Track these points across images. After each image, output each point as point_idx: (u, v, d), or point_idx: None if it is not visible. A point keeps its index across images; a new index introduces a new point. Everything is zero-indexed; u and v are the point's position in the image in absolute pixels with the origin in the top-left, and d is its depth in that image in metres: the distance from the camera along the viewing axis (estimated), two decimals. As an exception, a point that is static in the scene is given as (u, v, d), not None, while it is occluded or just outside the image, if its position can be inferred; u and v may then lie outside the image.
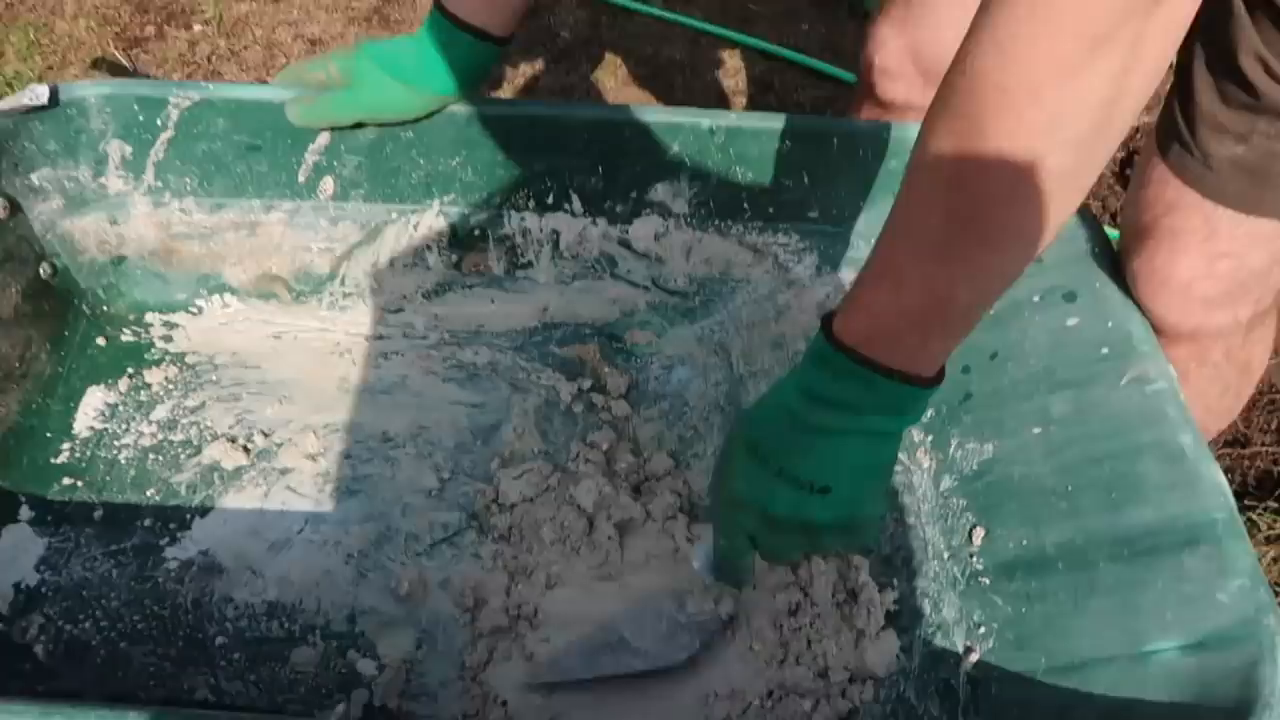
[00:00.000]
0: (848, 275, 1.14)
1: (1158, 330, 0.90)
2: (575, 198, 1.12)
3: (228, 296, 1.17)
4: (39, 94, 0.99)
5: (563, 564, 1.00)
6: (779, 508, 0.70)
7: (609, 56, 2.19)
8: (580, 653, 0.91)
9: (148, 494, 1.01)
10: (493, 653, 0.93)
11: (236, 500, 1.01)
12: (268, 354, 1.15)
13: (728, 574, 0.82)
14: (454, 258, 1.15)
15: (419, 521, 1.02)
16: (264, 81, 2.03)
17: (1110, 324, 0.90)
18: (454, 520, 1.03)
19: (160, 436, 1.05)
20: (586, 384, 1.17)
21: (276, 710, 0.88)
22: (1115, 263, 0.95)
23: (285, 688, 0.89)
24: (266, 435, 1.07)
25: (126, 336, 1.15)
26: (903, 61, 1.19)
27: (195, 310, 1.17)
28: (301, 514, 1.01)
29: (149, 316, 1.16)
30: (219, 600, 0.94)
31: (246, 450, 1.05)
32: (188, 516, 0.99)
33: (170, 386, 1.10)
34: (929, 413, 0.96)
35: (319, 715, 0.89)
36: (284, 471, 1.04)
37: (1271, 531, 1.36)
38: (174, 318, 1.16)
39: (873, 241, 0.65)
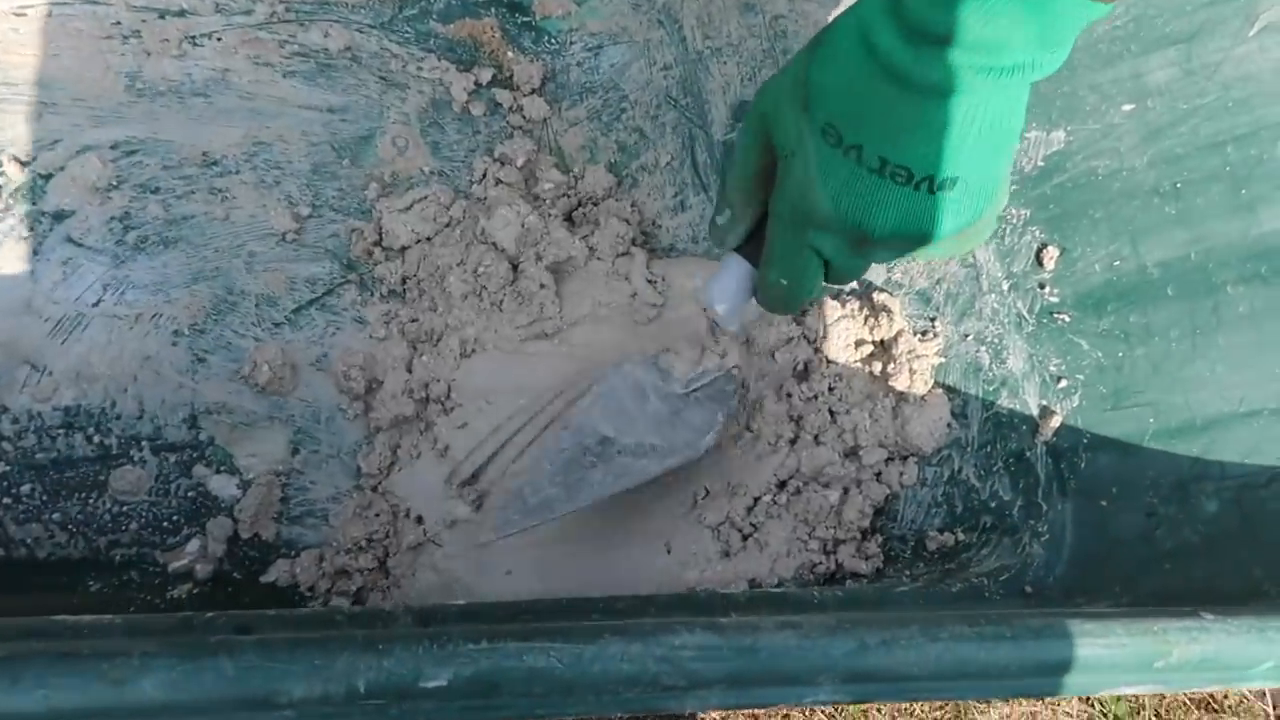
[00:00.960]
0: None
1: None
2: None
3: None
4: None
5: (480, 324, 0.74)
6: (884, 220, 0.46)
7: None
8: (554, 474, 0.65)
9: None
10: (396, 451, 0.69)
11: (-9, 263, 0.69)
12: (9, 42, 0.77)
13: (775, 304, 0.57)
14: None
15: (272, 279, 0.73)
16: None
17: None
18: (323, 274, 0.74)
19: None
20: (486, 75, 0.85)
21: (96, 557, 0.62)
22: None
23: (107, 526, 0.64)
24: (24, 164, 0.73)
25: None
26: None
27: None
28: (96, 278, 0.70)
29: None
30: (-13, 411, 0.65)
31: (-5, 188, 0.71)
32: (-83, 292, 0.67)
33: None
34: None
35: (165, 557, 0.64)
36: (59, 215, 0.71)
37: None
38: None
39: None
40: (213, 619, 0.46)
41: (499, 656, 0.37)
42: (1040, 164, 0.69)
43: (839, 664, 0.39)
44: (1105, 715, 1.12)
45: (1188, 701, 1.12)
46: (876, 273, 0.75)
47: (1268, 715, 1.13)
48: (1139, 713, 1.12)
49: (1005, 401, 0.67)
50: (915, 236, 0.47)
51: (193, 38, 0.79)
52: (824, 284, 0.54)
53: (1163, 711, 1.12)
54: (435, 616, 0.48)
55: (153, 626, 0.45)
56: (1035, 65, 0.42)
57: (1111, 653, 0.42)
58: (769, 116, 0.49)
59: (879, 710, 1.09)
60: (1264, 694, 1.13)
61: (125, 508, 0.65)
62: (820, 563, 0.65)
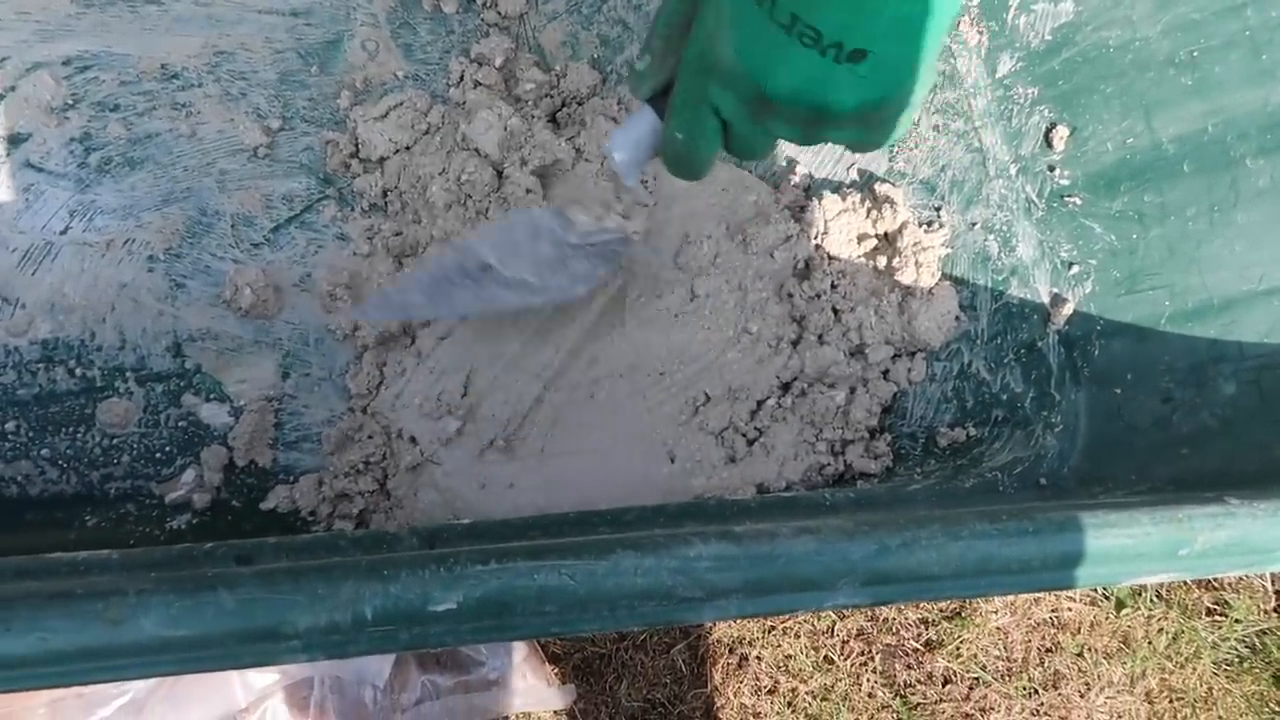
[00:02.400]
0: None
1: None
2: None
3: None
4: None
5: (468, 234, 0.71)
6: (784, 81, 0.44)
7: None
8: (424, 283, 0.64)
9: None
10: (383, 370, 0.67)
11: (-52, 193, 0.66)
12: (-57, -46, 0.72)
13: (673, 163, 0.54)
14: None
15: (247, 198, 0.70)
16: None
17: None
18: (299, 190, 0.71)
19: None
20: (457, -31, 0.80)
21: (90, 492, 0.60)
22: None
23: (99, 460, 0.62)
24: (-27, 86, 0.68)
25: None
26: None
27: None
28: (61, 204, 0.66)
29: None
30: (-40, 348, 0.62)
31: (-55, 113, 0.67)
32: (-128, 227, 0.64)
33: None
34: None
35: (161, 489, 0.62)
36: (15, 139, 0.68)
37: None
38: None
39: None
40: (212, 549, 0.44)
41: (509, 576, 0.35)
42: (1048, 38, 0.65)
43: (859, 567, 0.38)
44: (1108, 598, 1.13)
45: (1188, 581, 1.14)
46: (877, 162, 0.72)
47: (1266, 590, 1.15)
48: (1141, 594, 1.13)
49: (1015, 291, 0.65)
50: (814, 106, 0.44)
51: (141, -60, 0.74)
52: (727, 155, 0.51)
53: (1164, 592, 1.13)
54: (441, 537, 0.47)
55: (151, 560, 0.44)
56: None
57: (1135, 542, 0.40)
58: None
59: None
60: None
61: (115, 440, 0.63)
62: (828, 464, 0.63)
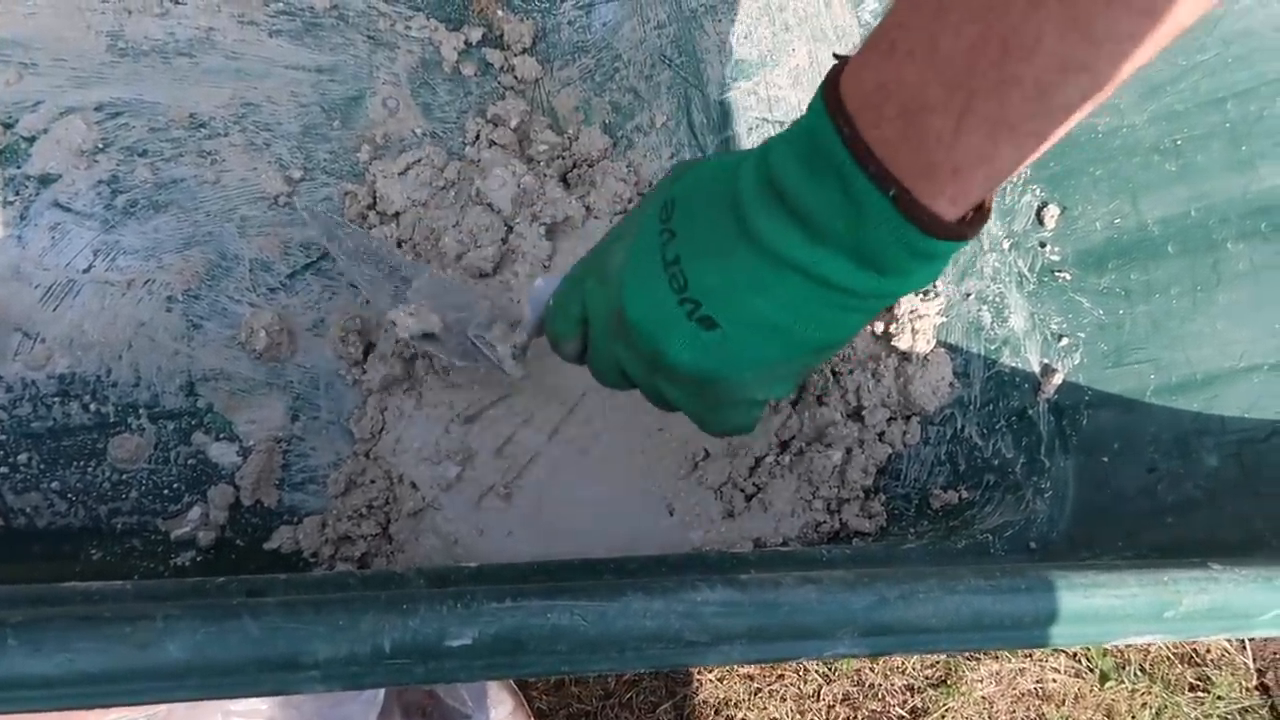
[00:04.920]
0: None
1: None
2: None
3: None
4: None
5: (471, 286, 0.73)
6: (639, 306, 0.45)
7: None
8: (351, 242, 0.67)
9: None
10: (384, 414, 0.69)
11: (-24, 229, 0.67)
12: (-15, 1, 0.75)
13: (550, 339, 0.56)
14: None
15: (266, 243, 0.72)
16: None
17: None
18: (317, 238, 0.73)
19: None
20: (476, 35, 0.84)
21: (97, 525, 0.61)
22: None
23: (107, 495, 0.63)
24: (7, 126, 0.71)
25: None
26: None
27: None
28: (85, 243, 0.68)
29: None
30: (-22, 379, 0.64)
31: (-23, 152, 0.69)
32: (-100, 259, 0.65)
33: None
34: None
35: (167, 525, 0.63)
36: (45, 179, 0.70)
37: None
38: None
39: None
40: (224, 583, 0.46)
41: (523, 615, 0.37)
42: (1040, 122, 0.69)
43: (859, 618, 0.40)
44: (1092, 670, 1.14)
45: (1171, 655, 1.15)
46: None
47: (1248, 668, 1.16)
48: (1124, 667, 1.14)
49: (1007, 360, 0.67)
50: (652, 344, 0.45)
51: (175, -5, 0.77)
52: (578, 356, 0.54)
53: (1148, 666, 1.14)
54: (448, 579, 0.48)
55: (164, 592, 0.45)
56: (849, 282, 0.40)
57: (1123, 603, 0.42)
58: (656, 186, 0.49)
59: (871, 669, 1.11)
60: (1244, 647, 1.15)
61: (125, 475, 0.64)
62: (824, 521, 0.65)
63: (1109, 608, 0.42)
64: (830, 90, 0.38)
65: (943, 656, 1.12)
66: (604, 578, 0.50)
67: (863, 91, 0.37)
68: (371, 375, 0.70)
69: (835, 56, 0.40)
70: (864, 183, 0.37)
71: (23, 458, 0.63)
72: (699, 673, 1.07)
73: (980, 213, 0.39)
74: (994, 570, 0.41)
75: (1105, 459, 0.62)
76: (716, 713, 1.07)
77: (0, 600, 0.40)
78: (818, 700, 1.09)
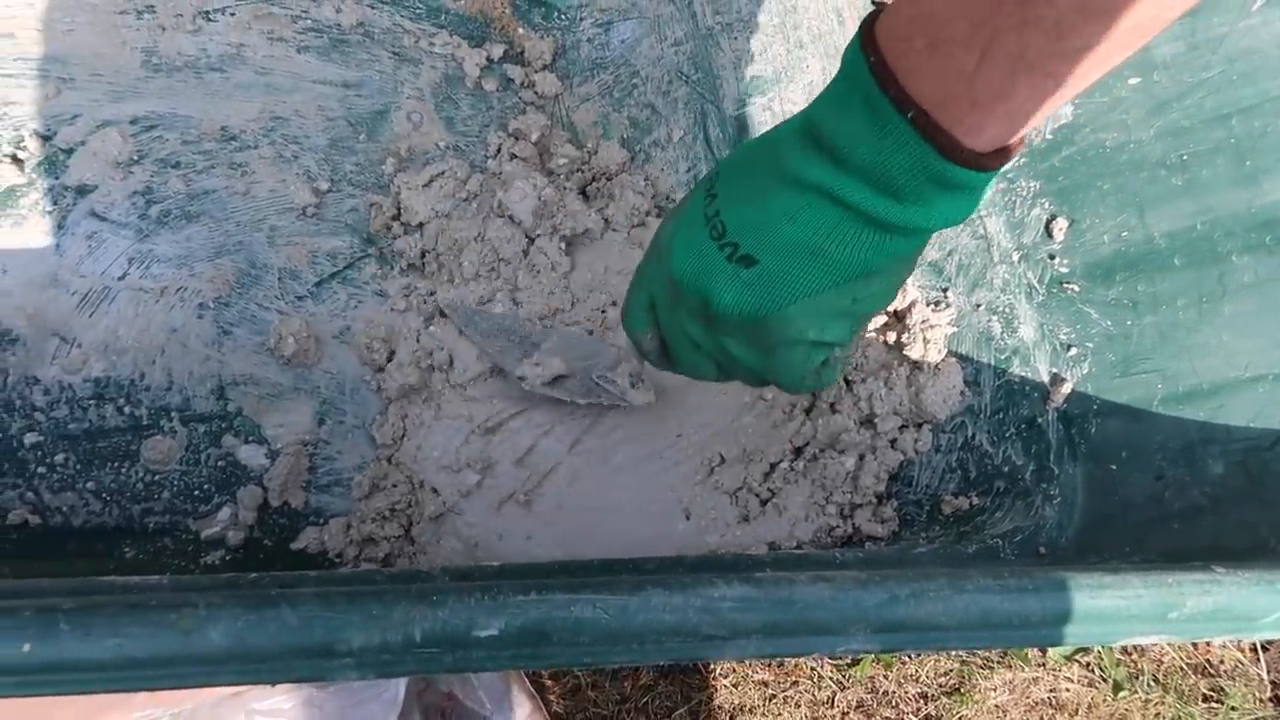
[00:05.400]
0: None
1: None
2: None
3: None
4: None
5: (494, 293, 0.75)
6: (683, 259, 0.48)
7: None
8: (501, 325, 0.72)
9: (-126, 236, 0.69)
10: (405, 422, 0.70)
11: (16, 237, 0.70)
12: (25, 18, 0.78)
13: (633, 343, 0.58)
14: None
15: (294, 253, 0.74)
16: None
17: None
18: (343, 248, 0.75)
19: (-125, 150, 0.70)
20: (497, 51, 0.86)
21: (130, 524, 0.63)
22: None
23: (140, 495, 0.65)
24: (45, 138, 0.73)
25: None
26: None
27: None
28: (120, 252, 0.71)
29: None
30: (18, 383, 0.66)
31: (18, 161, 0.71)
32: (-56, 266, 0.67)
33: (-125, 72, 0.73)
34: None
35: (197, 525, 0.65)
36: (82, 190, 0.72)
37: None
38: None
39: None
40: (257, 579, 0.47)
41: (548, 607, 0.38)
42: (1049, 137, 0.70)
43: (870, 615, 0.41)
44: (1105, 680, 1.14)
45: (1185, 666, 1.15)
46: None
47: (1262, 679, 1.16)
48: (1138, 677, 1.15)
49: (1017, 369, 0.68)
50: (699, 292, 0.47)
51: (206, 13, 0.80)
52: (657, 347, 0.55)
53: (1161, 676, 1.15)
54: (471, 577, 0.50)
55: (199, 586, 0.47)
56: (869, 206, 0.42)
57: (1128, 604, 0.43)
58: None
59: (885, 676, 1.12)
60: (1259, 659, 1.16)
61: (157, 476, 0.66)
62: (838, 526, 0.66)
63: (1114, 608, 0.43)
64: (866, 29, 0.40)
65: (956, 665, 1.12)
66: (623, 577, 0.51)
67: (895, 25, 0.39)
68: (389, 384, 0.72)
69: (873, 3, 0.43)
70: (886, 105, 0.39)
71: (60, 458, 0.65)
72: (714, 678, 1.08)
73: (1003, 153, 0.41)
74: (1002, 571, 0.43)
75: (1113, 466, 0.63)
76: (731, 718, 1.08)
77: (48, 590, 0.42)
78: (831, 707, 1.10)
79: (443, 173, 0.79)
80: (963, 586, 0.41)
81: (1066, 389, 0.66)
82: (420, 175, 0.78)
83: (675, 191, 0.82)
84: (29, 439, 0.65)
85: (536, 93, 0.84)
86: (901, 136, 0.39)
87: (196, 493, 0.66)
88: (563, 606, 0.38)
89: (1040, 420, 0.66)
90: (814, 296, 0.45)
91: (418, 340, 0.74)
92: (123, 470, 0.65)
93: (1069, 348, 0.67)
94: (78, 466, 0.65)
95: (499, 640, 0.38)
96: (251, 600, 0.36)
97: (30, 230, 0.70)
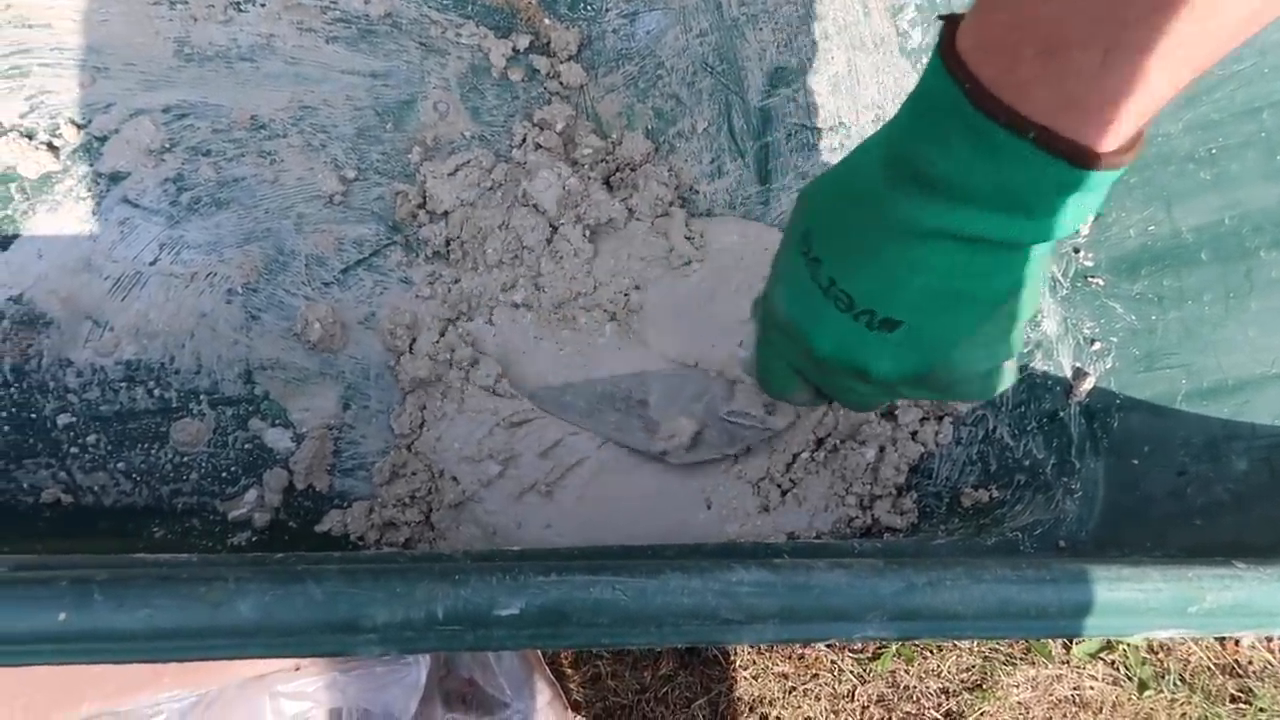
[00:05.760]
0: None
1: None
2: None
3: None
4: None
5: (516, 283, 0.76)
6: (824, 341, 0.45)
7: None
8: (589, 393, 0.70)
9: (-86, 220, 0.70)
10: (423, 412, 0.71)
11: (51, 223, 0.71)
12: (61, 8, 0.79)
13: (781, 400, 0.57)
14: None
15: (321, 239, 0.75)
16: None
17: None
18: (369, 235, 0.76)
19: (-85, 135, 0.72)
20: (523, 42, 0.87)
21: (159, 505, 0.64)
22: None
23: (169, 476, 0.66)
24: (80, 126, 0.74)
25: None
26: None
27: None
28: (152, 237, 0.72)
29: None
30: (52, 365, 0.67)
31: (54, 149, 0.73)
32: (-19, 250, 0.69)
33: (-85, 59, 0.74)
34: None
35: (224, 506, 0.66)
36: (116, 177, 0.73)
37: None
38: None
39: None
40: (284, 559, 0.48)
41: (568, 588, 0.39)
42: (1076, 130, 0.70)
43: (887, 602, 0.41)
44: (1130, 678, 1.14)
45: (1213, 666, 1.14)
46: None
47: (1287, 680, 1.15)
48: (1164, 676, 1.14)
49: (1040, 363, 0.68)
50: (853, 368, 0.45)
51: (237, 4, 0.81)
52: (815, 397, 0.53)
53: (1188, 675, 1.14)
54: (492, 559, 0.51)
55: (228, 564, 0.48)
56: (1001, 233, 0.38)
57: (1147, 596, 0.43)
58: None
59: (906, 671, 1.12)
60: (1284, 659, 1.14)
61: (186, 458, 0.67)
62: (857, 517, 0.66)
63: (1133, 601, 0.43)
64: (948, 49, 0.37)
65: (978, 661, 1.12)
66: (641, 561, 0.52)
67: (991, 37, 0.36)
68: (403, 375, 0.72)
69: (941, 18, 0.39)
70: (999, 132, 0.36)
71: (91, 439, 0.66)
72: (734, 670, 1.08)
73: (1135, 140, 0.37)
74: (1020, 561, 0.43)
75: (1135, 461, 0.63)
76: (751, 710, 1.08)
77: (82, 564, 0.43)
78: (852, 700, 1.10)
79: (468, 162, 0.79)
80: (980, 576, 0.42)
81: (1089, 383, 0.66)
82: (446, 164, 0.79)
83: (698, 183, 0.82)
84: (62, 420, 0.67)
85: (562, 83, 0.85)
86: (1021, 156, 0.36)
87: (224, 475, 0.67)
88: (582, 588, 0.39)
89: (1062, 414, 0.66)
90: (971, 334, 0.43)
91: (441, 334, 0.75)
92: (152, 452, 0.67)
93: (1092, 342, 0.67)
94: (109, 447, 0.66)
95: (519, 619, 0.38)
96: (279, 575, 0.37)
97: (65, 216, 0.72)
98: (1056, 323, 0.68)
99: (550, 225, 0.78)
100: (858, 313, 0.43)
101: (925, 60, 0.65)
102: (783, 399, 0.54)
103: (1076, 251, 0.68)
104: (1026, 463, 0.66)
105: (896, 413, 0.68)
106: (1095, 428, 0.65)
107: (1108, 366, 0.66)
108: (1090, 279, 0.68)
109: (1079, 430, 0.65)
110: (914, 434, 0.68)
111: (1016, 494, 0.66)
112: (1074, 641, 1.13)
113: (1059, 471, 0.65)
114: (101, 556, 0.46)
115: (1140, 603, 0.43)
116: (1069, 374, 0.67)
